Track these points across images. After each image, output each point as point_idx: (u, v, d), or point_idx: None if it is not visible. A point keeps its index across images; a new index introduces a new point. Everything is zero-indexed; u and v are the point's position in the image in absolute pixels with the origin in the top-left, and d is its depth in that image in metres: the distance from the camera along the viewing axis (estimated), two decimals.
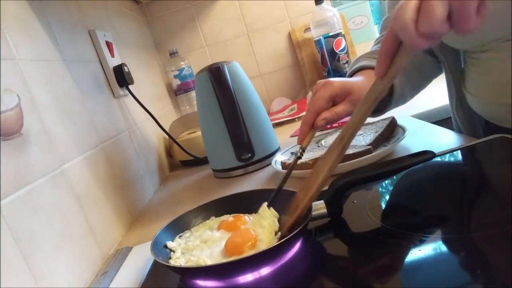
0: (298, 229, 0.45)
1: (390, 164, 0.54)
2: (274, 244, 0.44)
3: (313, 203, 0.51)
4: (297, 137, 0.63)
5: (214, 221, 0.59)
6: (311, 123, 0.62)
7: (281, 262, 0.46)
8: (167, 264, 0.49)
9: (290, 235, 0.44)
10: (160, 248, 0.53)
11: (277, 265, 0.46)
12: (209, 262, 0.48)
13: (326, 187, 0.54)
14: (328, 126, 1.06)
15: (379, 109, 0.77)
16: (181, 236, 0.57)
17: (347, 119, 1.04)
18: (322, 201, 0.53)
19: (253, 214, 0.56)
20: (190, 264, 0.49)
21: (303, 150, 0.60)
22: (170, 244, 0.54)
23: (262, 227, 0.50)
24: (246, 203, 0.60)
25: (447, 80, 0.83)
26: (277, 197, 0.55)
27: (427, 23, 0.39)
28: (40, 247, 0.51)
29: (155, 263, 0.55)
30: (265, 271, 0.45)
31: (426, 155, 0.52)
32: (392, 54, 0.44)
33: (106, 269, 0.61)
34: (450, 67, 0.79)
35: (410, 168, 0.54)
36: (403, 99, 0.80)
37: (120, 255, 0.64)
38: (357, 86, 0.66)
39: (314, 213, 0.50)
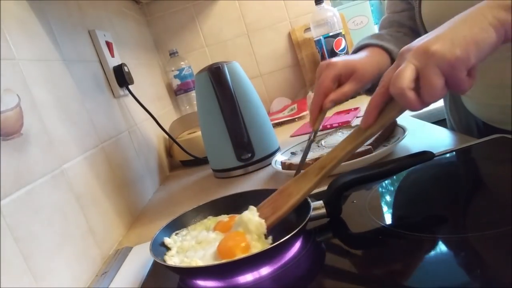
0: (297, 229, 0.45)
1: (390, 164, 0.53)
2: (274, 244, 0.44)
3: (312, 203, 0.51)
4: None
5: (211, 220, 0.59)
6: (319, 106, 0.63)
7: (281, 262, 0.46)
8: (167, 264, 0.49)
9: (290, 235, 0.44)
10: (159, 248, 0.53)
11: (277, 265, 0.46)
12: (201, 264, 0.47)
13: (325, 187, 0.54)
14: (328, 126, 1.06)
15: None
16: (177, 233, 0.57)
17: (347, 118, 1.05)
18: (321, 202, 0.52)
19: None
20: (184, 265, 0.49)
21: (316, 133, 0.64)
22: (167, 240, 0.55)
23: (249, 233, 0.49)
24: (245, 203, 0.60)
25: None
26: None
27: (430, 93, 0.42)
28: (40, 247, 0.51)
29: (155, 263, 0.55)
30: (265, 271, 0.45)
31: (425, 155, 0.52)
32: (381, 108, 0.47)
33: (106, 269, 0.61)
34: None
35: (410, 168, 0.54)
36: None
37: (120, 255, 0.64)
38: (360, 63, 0.67)
39: (313, 213, 0.50)
